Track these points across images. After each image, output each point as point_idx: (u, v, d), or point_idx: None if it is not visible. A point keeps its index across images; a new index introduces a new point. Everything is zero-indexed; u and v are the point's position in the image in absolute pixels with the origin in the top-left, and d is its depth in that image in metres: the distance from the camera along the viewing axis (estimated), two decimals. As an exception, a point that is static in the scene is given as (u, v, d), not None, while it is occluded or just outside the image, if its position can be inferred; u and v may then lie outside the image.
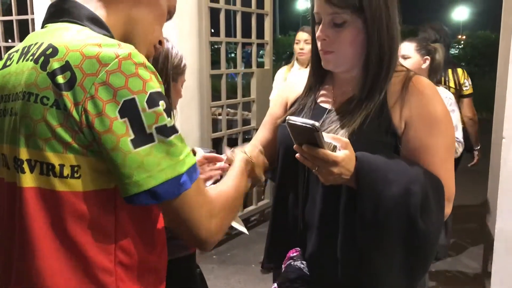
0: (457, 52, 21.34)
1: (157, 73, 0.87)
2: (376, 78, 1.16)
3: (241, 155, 1.20)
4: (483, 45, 18.88)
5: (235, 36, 4.05)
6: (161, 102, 0.83)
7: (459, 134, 2.55)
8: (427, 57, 2.56)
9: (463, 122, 3.43)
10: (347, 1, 1.11)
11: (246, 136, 4.21)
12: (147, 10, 0.99)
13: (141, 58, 0.84)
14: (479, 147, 3.45)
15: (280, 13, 36.12)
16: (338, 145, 1.02)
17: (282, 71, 3.92)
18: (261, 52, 4.83)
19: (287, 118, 1.02)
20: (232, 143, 4.13)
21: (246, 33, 4.07)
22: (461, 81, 3.32)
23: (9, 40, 5.05)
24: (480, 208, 2.76)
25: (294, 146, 1.04)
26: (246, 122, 4.28)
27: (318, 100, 1.28)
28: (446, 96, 2.53)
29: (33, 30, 4.44)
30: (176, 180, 0.84)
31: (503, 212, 2.48)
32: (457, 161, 3.45)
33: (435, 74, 2.61)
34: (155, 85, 0.84)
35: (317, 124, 0.95)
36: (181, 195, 0.86)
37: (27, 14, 4.60)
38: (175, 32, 3.42)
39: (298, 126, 0.98)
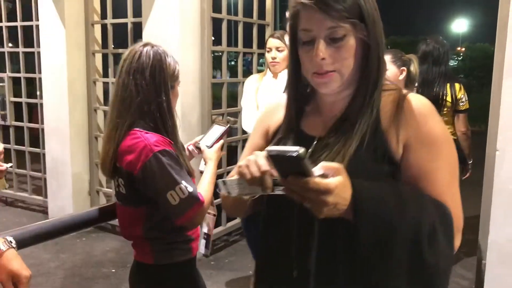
0: (456, 64, 21.46)
1: None
2: (371, 93, 1.04)
3: None
4: (482, 57, 18.99)
5: (236, 46, 4.11)
6: None
7: None
8: (404, 68, 2.54)
9: (456, 136, 3.50)
10: (350, 10, 0.97)
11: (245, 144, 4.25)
12: None
13: None
14: (471, 162, 3.53)
15: (281, 23, 36.21)
16: (329, 174, 0.88)
17: (254, 79, 3.45)
18: (261, 60, 4.88)
19: (266, 149, 0.88)
20: (232, 151, 4.19)
21: (247, 42, 4.13)
22: (458, 96, 3.39)
23: (10, 45, 5.11)
24: (475, 220, 2.81)
25: (280, 179, 0.90)
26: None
27: (304, 128, 1.13)
28: None
29: (38, 36, 4.51)
30: None
31: (496, 223, 2.53)
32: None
33: (412, 85, 2.59)
34: None
35: (301, 150, 0.82)
36: None
37: (31, 20, 4.67)
38: (178, 41, 3.49)
39: (280, 157, 0.86)
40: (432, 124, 1.03)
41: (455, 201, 1.04)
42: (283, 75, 3.32)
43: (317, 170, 0.88)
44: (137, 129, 1.57)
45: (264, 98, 3.30)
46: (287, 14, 1.07)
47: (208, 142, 1.79)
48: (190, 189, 1.53)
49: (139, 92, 1.57)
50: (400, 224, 0.93)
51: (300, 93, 1.13)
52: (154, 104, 1.57)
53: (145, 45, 1.62)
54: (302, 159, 0.83)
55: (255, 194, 1.00)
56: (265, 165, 0.95)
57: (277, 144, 1.13)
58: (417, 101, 1.05)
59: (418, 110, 1.04)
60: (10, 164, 1.70)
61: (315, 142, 1.07)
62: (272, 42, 3.28)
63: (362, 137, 1.01)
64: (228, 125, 1.87)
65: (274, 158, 0.88)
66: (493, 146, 2.53)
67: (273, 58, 3.26)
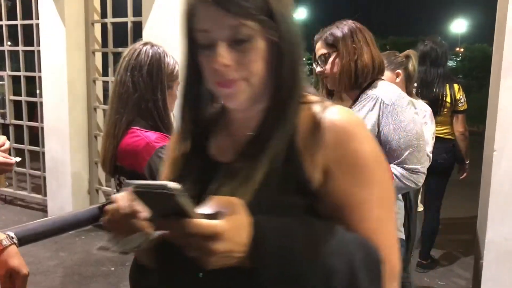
0: (455, 64, 21.52)
1: None
2: (285, 107, 0.84)
3: None
4: (480, 58, 19.06)
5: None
6: None
7: (429, 149, 2.37)
8: (398, 71, 2.43)
9: (454, 137, 3.52)
10: (255, 5, 0.78)
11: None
12: None
13: None
14: (468, 162, 3.54)
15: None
16: (225, 212, 0.69)
17: None
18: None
19: (130, 185, 0.71)
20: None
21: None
22: (457, 97, 3.41)
23: (9, 43, 5.13)
24: (473, 219, 2.83)
25: (152, 219, 0.73)
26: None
27: (212, 152, 0.92)
28: (423, 109, 2.42)
29: (38, 35, 4.52)
30: None
31: (493, 223, 2.55)
32: (448, 172, 3.54)
33: (411, 83, 2.51)
34: None
35: (171, 185, 0.65)
36: None
37: (31, 18, 4.68)
38: (177, 40, 3.50)
39: (148, 194, 0.70)
40: (357, 144, 0.81)
41: (388, 239, 0.82)
42: None
43: (207, 208, 0.69)
44: (136, 127, 1.58)
45: None
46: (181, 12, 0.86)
47: None
48: None
49: (136, 89, 1.57)
50: (310, 273, 0.73)
51: (202, 109, 0.93)
52: (151, 101, 1.59)
53: (145, 44, 1.63)
54: (173, 196, 0.65)
55: (142, 243, 0.79)
56: (127, 206, 0.76)
57: (183, 175, 0.90)
58: (340, 116, 0.83)
59: (340, 127, 0.82)
60: (18, 159, 1.70)
61: (220, 170, 0.86)
62: None
63: (273, 161, 0.81)
64: None
65: (142, 196, 0.71)
66: (491, 146, 2.55)
67: None
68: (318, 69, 1.88)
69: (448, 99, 3.39)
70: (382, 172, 0.85)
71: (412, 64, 2.48)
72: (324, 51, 1.85)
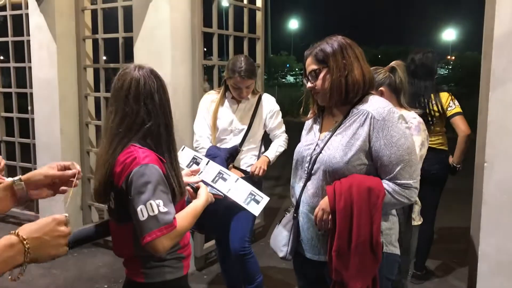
0: (446, 72, 21.69)
1: None
2: None
3: None
4: (471, 66, 19.21)
5: (227, 58, 4.13)
6: None
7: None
8: (381, 88, 2.37)
9: (447, 147, 3.51)
10: None
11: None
12: None
13: None
14: (459, 166, 3.48)
15: (272, 33, 36.58)
16: None
17: (210, 99, 3.12)
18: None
19: None
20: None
21: (239, 53, 4.15)
22: (445, 105, 3.40)
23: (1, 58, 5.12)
24: (468, 229, 2.83)
25: None
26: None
27: None
28: (409, 120, 2.33)
29: (29, 51, 4.51)
30: None
31: (486, 234, 2.55)
32: (441, 183, 3.54)
33: (399, 94, 2.42)
34: None
35: None
36: None
37: (22, 35, 4.68)
38: (169, 55, 3.50)
39: None
40: None
41: None
42: (250, 99, 3.07)
43: None
44: (133, 143, 1.58)
45: (229, 123, 3.03)
46: None
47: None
48: (163, 209, 1.48)
49: (124, 116, 1.60)
50: None
51: None
52: (142, 124, 1.60)
53: (133, 68, 1.63)
54: None
55: None
56: None
57: None
58: None
59: None
60: (10, 179, 1.67)
61: None
62: (242, 82, 2.89)
63: None
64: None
65: None
66: (481, 157, 2.56)
67: (242, 95, 2.96)
68: (309, 84, 1.89)
69: (436, 108, 3.38)
70: None
71: (399, 76, 2.40)
72: (314, 67, 1.85)
